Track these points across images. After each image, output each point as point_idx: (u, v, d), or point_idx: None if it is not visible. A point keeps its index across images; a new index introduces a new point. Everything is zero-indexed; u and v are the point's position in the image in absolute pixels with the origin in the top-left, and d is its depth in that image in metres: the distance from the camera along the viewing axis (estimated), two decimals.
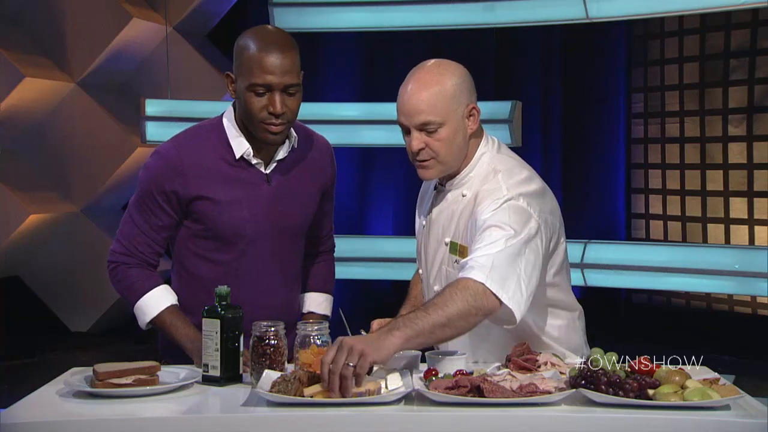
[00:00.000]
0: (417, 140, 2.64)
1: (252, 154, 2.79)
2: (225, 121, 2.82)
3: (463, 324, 2.42)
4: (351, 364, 2.25)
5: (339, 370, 2.25)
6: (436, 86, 2.63)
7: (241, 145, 2.79)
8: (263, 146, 2.80)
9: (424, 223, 2.84)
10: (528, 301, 2.51)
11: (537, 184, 2.68)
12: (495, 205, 2.57)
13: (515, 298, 2.47)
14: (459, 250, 2.68)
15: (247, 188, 2.80)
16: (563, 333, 2.78)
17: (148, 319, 2.81)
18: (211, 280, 2.75)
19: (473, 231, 2.61)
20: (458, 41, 6.56)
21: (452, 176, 2.74)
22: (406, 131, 2.68)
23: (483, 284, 2.43)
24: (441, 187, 2.78)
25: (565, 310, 2.80)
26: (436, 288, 2.76)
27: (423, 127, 2.63)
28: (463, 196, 2.71)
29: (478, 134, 2.73)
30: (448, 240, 2.73)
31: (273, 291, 2.87)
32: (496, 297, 2.44)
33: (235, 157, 2.79)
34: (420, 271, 2.90)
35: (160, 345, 2.95)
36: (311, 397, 2.27)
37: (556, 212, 2.71)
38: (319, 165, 2.95)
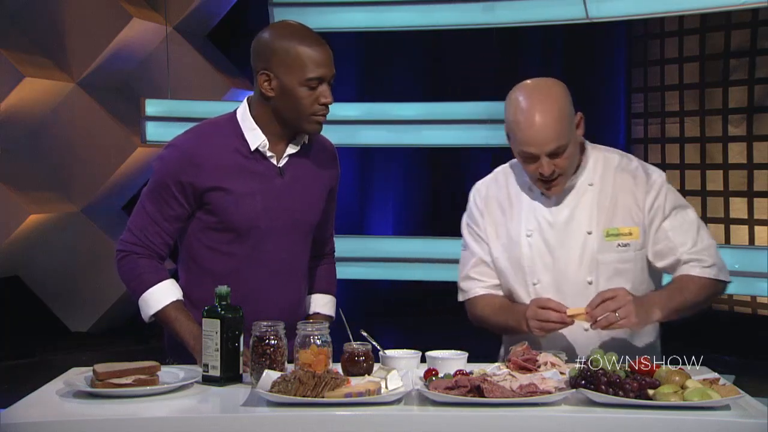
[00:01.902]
0: (548, 165, 2.72)
1: (267, 146, 2.80)
2: (239, 115, 2.83)
3: (699, 309, 2.82)
4: (618, 315, 2.58)
5: (608, 308, 2.58)
6: (557, 110, 2.71)
7: (256, 137, 2.79)
8: (276, 140, 2.81)
9: (528, 234, 2.83)
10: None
11: None
12: (662, 188, 2.82)
13: (727, 273, 2.86)
14: (620, 233, 2.79)
15: (260, 180, 2.80)
16: None
17: (152, 312, 2.80)
18: (222, 273, 2.76)
19: (642, 215, 2.79)
20: (458, 41, 6.55)
21: None
22: (534, 159, 2.71)
23: (714, 279, 2.80)
24: (548, 193, 2.81)
25: None
26: (590, 279, 2.79)
27: (554, 152, 2.70)
28: (591, 185, 2.83)
29: None
30: (594, 230, 2.79)
31: (283, 286, 2.86)
32: (723, 282, 2.84)
33: (249, 149, 2.79)
34: (534, 282, 2.83)
35: (165, 344, 2.94)
36: (573, 317, 2.62)
37: None
38: (327, 162, 2.96)
